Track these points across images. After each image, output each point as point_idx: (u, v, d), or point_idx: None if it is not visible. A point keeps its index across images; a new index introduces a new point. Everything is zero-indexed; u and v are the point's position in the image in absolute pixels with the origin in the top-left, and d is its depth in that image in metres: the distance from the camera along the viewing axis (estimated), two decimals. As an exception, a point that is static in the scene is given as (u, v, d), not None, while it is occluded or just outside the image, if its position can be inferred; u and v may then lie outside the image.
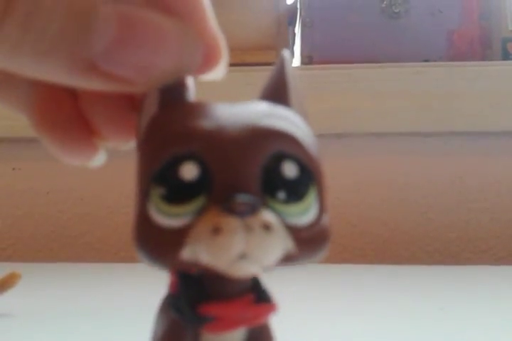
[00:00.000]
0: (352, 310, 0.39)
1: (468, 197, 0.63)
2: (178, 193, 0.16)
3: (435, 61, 0.64)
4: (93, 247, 0.66)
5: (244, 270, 0.15)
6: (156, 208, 0.16)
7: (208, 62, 0.19)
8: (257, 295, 0.17)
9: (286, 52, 0.19)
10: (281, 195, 0.16)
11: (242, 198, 0.15)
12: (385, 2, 0.65)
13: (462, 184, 0.64)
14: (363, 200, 0.64)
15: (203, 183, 0.16)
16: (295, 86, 0.19)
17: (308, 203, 0.16)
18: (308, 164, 0.16)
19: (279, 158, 0.16)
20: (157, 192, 0.16)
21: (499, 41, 0.66)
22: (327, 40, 0.65)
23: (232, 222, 0.15)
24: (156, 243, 0.16)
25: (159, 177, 0.16)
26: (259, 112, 0.17)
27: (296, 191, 0.16)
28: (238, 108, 0.17)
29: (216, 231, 0.15)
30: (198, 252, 0.15)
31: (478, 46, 0.65)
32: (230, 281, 0.17)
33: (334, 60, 0.64)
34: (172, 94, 0.17)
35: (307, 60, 0.65)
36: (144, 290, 0.36)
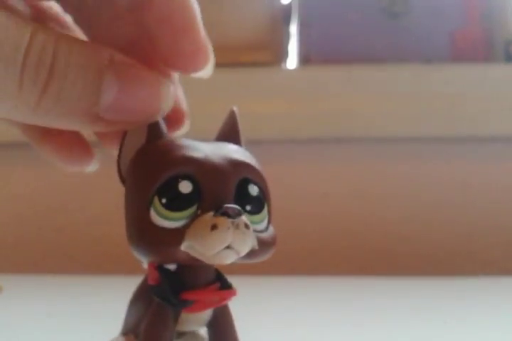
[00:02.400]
0: (352, 323, 0.38)
1: (473, 204, 0.62)
2: (176, 203, 0.21)
3: (437, 62, 0.63)
4: (76, 259, 0.64)
5: (226, 258, 0.21)
6: (158, 213, 0.21)
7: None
8: (221, 283, 0.23)
9: (235, 108, 0.25)
10: (248, 207, 0.22)
11: (231, 206, 0.21)
12: (384, 2, 0.65)
13: (466, 192, 0.62)
14: (361, 209, 0.62)
15: (195, 196, 0.21)
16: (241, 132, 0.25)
17: (264, 214, 0.23)
18: (263, 187, 0.23)
19: (246, 182, 0.22)
20: (159, 202, 0.21)
21: (502, 43, 0.65)
22: (325, 39, 0.65)
23: (225, 221, 0.20)
24: (158, 239, 0.21)
25: (161, 191, 0.21)
26: (230, 149, 0.23)
27: (257, 205, 0.22)
28: (214, 145, 0.23)
29: (214, 227, 0.20)
30: (194, 245, 0.20)
31: (481, 48, 0.64)
32: (200, 273, 0.23)
33: (332, 61, 0.63)
34: (156, 129, 0.23)
35: (304, 60, 0.64)
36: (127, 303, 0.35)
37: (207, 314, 0.23)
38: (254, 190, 0.22)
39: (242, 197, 0.22)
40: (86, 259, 0.63)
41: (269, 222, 0.23)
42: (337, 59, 0.64)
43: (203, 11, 0.23)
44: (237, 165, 0.22)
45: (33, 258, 0.64)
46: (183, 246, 0.21)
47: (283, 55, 0.67)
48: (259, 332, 0.32)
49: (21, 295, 0.46)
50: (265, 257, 0.22)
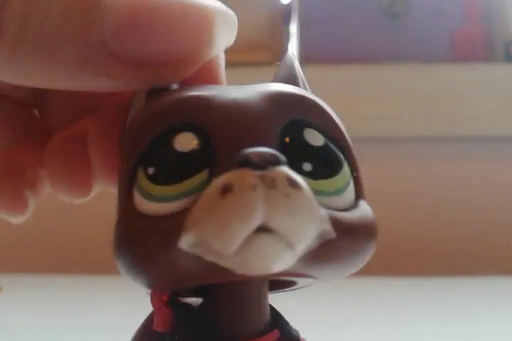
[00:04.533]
0: (350, 323, 0.38)
1: (473, 204, 0.62)
2: (171, 169, 0.12)
3: (437, 62, 0.63)
4: (76, 258, 0.64)
5: (264, 252, 0.11)
6: (142, 194, 0.12)
7: None
8: (281, 332, 0.14)
9: (291, 52, 0.17)
10: (307, 166, 0.13)
11: (257, 150, 0.12)
12: (384, 2, 0.65)
13: (466, 191, 0.62)
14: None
15: (203, 156, 0.12)
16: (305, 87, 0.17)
17: (343, 181, 0.13)
18: (335, 134, 0.14)
19: (298, 125, 0.13)
20: (145, 174, 0.13)
21: (501, 43, 0.65)
22: (325, 39, 0.64)
23: (246, 175, 0.11)
24: (140, 237, 0.12)
25: (147, 156, 0.13)
26: (271, 85, 0.14)
27: (326, 162, 0.13)
28: (245, 86, 0.14)
29: (225, 190, 0.11)
30: (201, 237, 0.11)
31: (481, 48, 0.64)
32: (245, 312, 0.13)
33: (332, 61, 0.63)
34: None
35: (304, 60, 0.64)
36: (130, 305, 0.34)
37: None
38: (314, 136, 0.13)
39: (293, 149, 0.13)
40: (86, 259, 0.63)
41: (358, 195, 0.14)
42: (337, 59, 0.63)
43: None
44: (279, 99, 0.13)
45: (33, 258, 0.64)
46: (185, 244, 0.11)
47: (283, 55, 0.67)
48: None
49: (21, 295, 0.46)
50: (357, 257, 0.14)
